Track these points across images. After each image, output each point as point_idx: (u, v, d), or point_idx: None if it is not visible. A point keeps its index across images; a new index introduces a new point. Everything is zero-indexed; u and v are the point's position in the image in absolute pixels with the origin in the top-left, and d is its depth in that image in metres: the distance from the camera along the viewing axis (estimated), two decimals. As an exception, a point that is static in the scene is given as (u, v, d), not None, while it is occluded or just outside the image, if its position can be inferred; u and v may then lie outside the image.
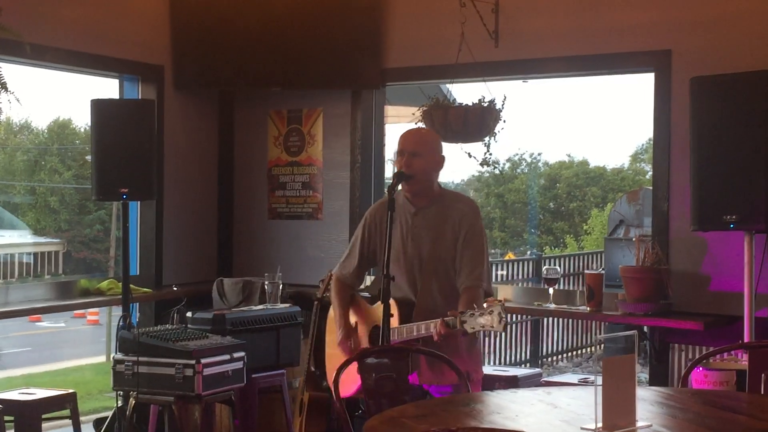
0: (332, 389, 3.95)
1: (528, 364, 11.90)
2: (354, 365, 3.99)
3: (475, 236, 4.63)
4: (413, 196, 4.64)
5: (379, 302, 4.49)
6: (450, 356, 4.18)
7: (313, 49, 6.88)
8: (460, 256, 4.60)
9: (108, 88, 7.03)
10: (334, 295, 4.91)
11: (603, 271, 6.28)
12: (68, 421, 5.85)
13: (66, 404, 5.77)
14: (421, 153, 4.61)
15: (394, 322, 4.41)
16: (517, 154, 28.99)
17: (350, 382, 4.36)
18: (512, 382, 6.14)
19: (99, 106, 6.07)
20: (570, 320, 12.54)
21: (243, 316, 6.16)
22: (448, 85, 7.09)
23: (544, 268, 6.75)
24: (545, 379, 6.42)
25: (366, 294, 5.63)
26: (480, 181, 28.99)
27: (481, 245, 4.64)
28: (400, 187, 4.67)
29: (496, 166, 6.37)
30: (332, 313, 4.94)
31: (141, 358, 5.55)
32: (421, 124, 6.05)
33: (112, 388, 5.77)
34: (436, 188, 4.71)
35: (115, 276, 6.83)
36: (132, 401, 5.61)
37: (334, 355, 4.85)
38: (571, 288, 12.87)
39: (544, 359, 12.60)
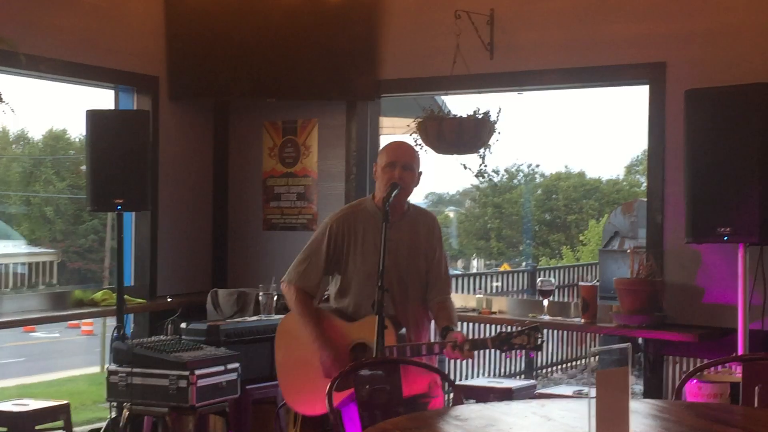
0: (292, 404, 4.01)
1: (522, 376, 11.89)
2: (325, 385, 3.86)
3: (442, 249, 4.72)
4: (391, 208, 4.44)
5: (363, 319, 4.47)
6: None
7: (308, 61, 6.89)
8: (434, 269, 4.64)
9: (103, 98, 7.05)
10: (301, 308, 4.60)
11: (597, 283, 6.28)
12: (62, 432, 5.84)
13: (59, 415, 5.75)
14: (412, 166, 4.59)
15: (390, 336, 4.35)
16: (514, 165, 29.08)
17: (318, 401, 4.33)
18: (506, 394, 6.13)
19: (94, 117, 6.07)
20: (564, 332, 12.55)
21: (237, 327, 6.15)
22: (443, 97, 7.10)
23: (538, 280, 6.75)
24: (539, 391, 6.41)
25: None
26: (478, 190, 29.07)
27: (446, 257, 4.77)
28: (372, 196, 4.70)
29: (492, 177, 6.38)
30: (286, 325, 4.73)
31: (135, 369, 5.54)
32: (415, 136, 6.05)
33: (106, 399, 5.76)
34: (405, 201, 4.69)
35: (110, 286, 6.82)
36: (126, 412, 5.60)
37: (294, 372, 4.65)
38: (565, 300, 12.88)
39: (539, 371, 12.60)
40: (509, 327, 11.21)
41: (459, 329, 4.54)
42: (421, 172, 4.67)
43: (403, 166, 4.55)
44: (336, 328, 4.60)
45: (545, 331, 12.56)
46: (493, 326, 9.51)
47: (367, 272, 4.50)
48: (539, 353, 12.38)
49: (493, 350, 4.43)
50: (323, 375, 4.50)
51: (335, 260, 4.64)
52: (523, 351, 4.33)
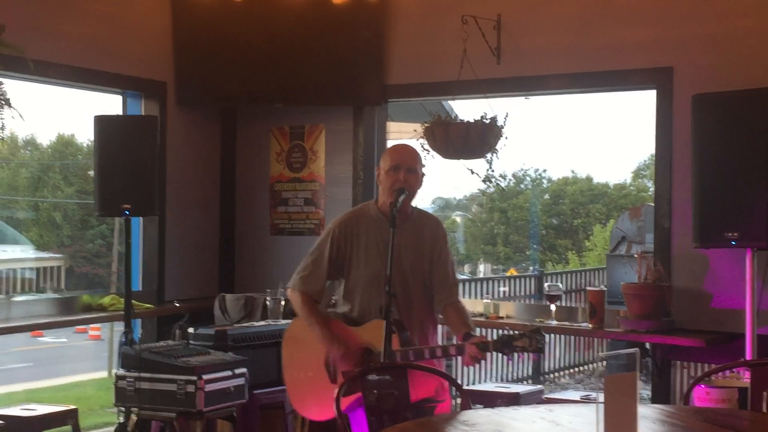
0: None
1: (530, 381, 11.88)
2: (332, 390, 3.85)
3: (449, 253, 4.68)
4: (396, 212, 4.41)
5: (367, 324, 4.45)
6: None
7: (316, 66, 6.90)
8: (440, 272, 4.60)
9: (111, 104, 7.07)
10: (307, 310, 4.58)
11: (605, 288, 6.28)
12: (70, 438, 5.85)
13: (67, 420, 5.76)
14: (416, 169, 4.56)
15: (394, 340, 4.32)
16: (521, 170, 29.06)
17: (325, 406, 4.32)
18: (514, 399, 6.12)
19: (102, 123, 6.09)
20: (572, 337, 12.53)
21: (245, 332, 6.16)
22: (450, 102, 7.10)
23: (546, 285, 6.75)
24: (547, 396, 6.41)
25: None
26: (485, 195, 29.03)
27: (453, 260, 4.73)
28: (375, 201, 4.68)
29: (499, 182, 6.38)
30: (293, 330, 4.74)
31: (143, 374, 5.55)
32: (422, 141, 6.05)
33: (114, 404, 5.76)
34: (409, 205, 4.67)
35: (117, 291, 6.83)
36: (134, 417, 5.61)
37: (301, 378, 4.65)
38: (573, 305, 12.86)
39: (546, 376, 12.58)
40: (515, 332, 11.17)
41: (477, 333, 4.52)
42: (424, 174, 4.66)
43: (408, 169, 4.51)
44: (342, 332, 4.58)
45: (552, 336, 12.53)
46: (501, 331, 9.49)
47: (370, 277, 4.49)
48: (547, 358, 12.43)
49: (497, 354, 4.40)
50: (329, 380, 4.51)
51: (338, 265, 4.61)
52: (526, 354, 4.31)
